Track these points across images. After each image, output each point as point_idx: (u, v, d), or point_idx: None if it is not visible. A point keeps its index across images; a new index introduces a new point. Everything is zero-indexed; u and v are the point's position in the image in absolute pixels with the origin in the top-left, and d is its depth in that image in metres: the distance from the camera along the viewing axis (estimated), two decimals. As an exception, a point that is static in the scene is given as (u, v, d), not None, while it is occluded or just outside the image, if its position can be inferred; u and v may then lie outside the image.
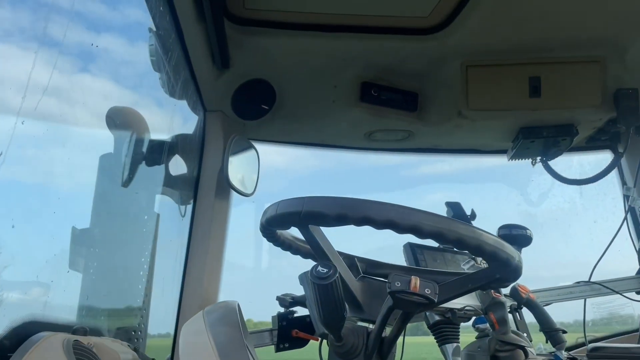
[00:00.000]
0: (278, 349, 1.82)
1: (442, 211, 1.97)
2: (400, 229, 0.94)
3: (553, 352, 1.68)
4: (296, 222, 1.05)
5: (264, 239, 1.20)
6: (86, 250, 1.36)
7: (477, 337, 1.62)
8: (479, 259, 1.79)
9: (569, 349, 2.10)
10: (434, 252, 1.83)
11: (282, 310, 1.84)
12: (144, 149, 1.67)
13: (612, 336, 2.24)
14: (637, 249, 2.20)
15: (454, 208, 1.93)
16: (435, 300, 0.94)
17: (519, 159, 2.25)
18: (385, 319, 1.03)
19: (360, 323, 1.17)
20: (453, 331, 1.77)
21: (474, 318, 1.64)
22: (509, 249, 0.98)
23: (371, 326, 1.11)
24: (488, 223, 1.75)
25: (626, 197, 2.20)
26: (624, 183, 2.28)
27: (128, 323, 1.64)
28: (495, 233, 1.16)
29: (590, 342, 2.11)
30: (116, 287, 1.61)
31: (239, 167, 1.98)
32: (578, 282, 2.15)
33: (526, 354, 1.46)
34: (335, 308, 0.96)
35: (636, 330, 2.14)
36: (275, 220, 1.05)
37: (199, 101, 1.98)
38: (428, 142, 2.33)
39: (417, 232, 0.94)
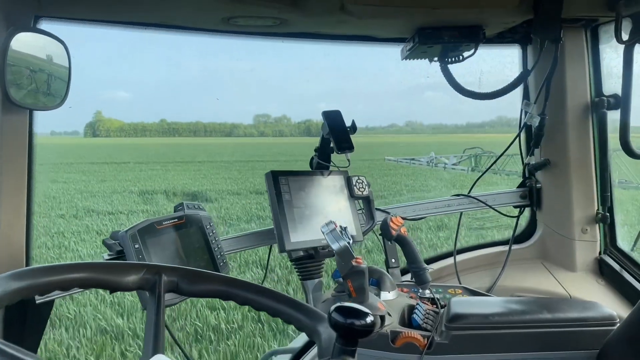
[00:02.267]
0: None
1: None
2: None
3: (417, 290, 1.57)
4: None
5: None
6: None
7: (335, 290, 1.42)
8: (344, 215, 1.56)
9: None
10: (301, 179, 1.53)
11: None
12: None
13: (477, 247, 2.20)
14: (524, 163, 2.06)
15: (331, 118, 1.58)
16: None
17: (413, 59, 1.86)
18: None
19: None
20: (317, 267, 1.60)
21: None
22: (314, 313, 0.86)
23: None
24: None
25: (524, 112, 1.97)
26: (525, 97, 2.04)
27: None
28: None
29: (458, 251, 2.09)
30: None
31: (34, 70, 1.39)
32: (457, 195, 2.03)
33: (383, 321, 1.30)
34: None
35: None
36: None
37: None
38: (306, 29, 1.84)
39: None
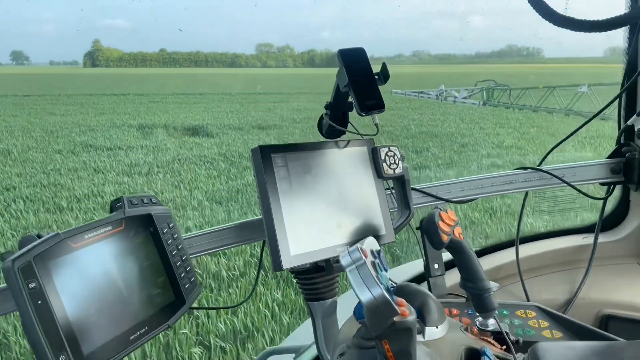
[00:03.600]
0: None
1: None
2: None
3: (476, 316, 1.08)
4: None
5: None
6: None
7: (359, 337, 0.93)
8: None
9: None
10: (305, 156, 1.03)
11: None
12: None
13: (545, 235, 1.67)
14: (622, 126, 1.52)
15: (350, 60, 1.04)
16: None
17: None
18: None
19: None
20: (329, 284, 1.08)
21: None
22: None
23: None
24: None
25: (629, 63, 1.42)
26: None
27: None
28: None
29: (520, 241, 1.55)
30: None
31: None
32: (524, 168, 1.45)
33: None
34: None
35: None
36: None
37: None
38: None
39: None
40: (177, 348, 3.97)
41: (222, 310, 4.54)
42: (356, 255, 0.69)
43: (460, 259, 1.05)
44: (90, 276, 0.78)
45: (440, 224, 1.04)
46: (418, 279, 1.48)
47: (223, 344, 4.12)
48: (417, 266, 1.49)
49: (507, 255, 1.49)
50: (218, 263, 5.65)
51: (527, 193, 1.48)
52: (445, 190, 1.33)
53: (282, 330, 4.32)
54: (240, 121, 17.30)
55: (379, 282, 0.67)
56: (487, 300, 1.04)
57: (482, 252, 1.55)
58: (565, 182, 1.41)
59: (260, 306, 4.62)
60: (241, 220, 1.17)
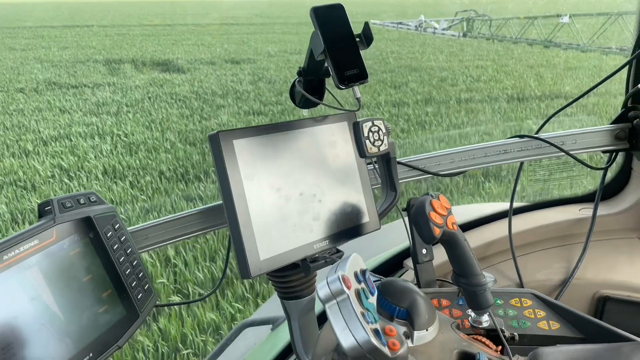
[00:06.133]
0: None
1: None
2: None
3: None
4: None
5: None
6: None
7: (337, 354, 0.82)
8: None
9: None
10: (273, 140, 0.88)
11: None
12: None
13: (538, 205, 1.55)
14: (629, 92, 1.36)
15: (325, 21, 0.86)
16: None
17: None
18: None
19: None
20: (306, 283, 0.95)
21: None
22: None
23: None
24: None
25: None
26: None
27: None
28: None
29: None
30: None
31: None
32: (520, 136, 1.29)
33: None
34: None
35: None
36: None
37: None
38: None
39: None
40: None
41: (200, 258, 4.48)
42: (336, 286, 0.56)
43: (454, 252, 0.90)
44: (12, 308, 0.63)
45: (432, 214, 0.86)
46: (404, 253, 1.37)
47: (202, 292, 4.09)
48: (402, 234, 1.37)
49: (497, 229, 1.38)
50: (194, 207, 5.57)
51: (521, 163, 1.33)
52: (434, 162, 1.18)
53: (262, 277, 4.30)
54: (212, 55, 16.60)
55: (364, 323, 0.55)
56: (481, 297, 0.91)
57: (469, 226, 1.43)
58: (564, 151, 1.26)
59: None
60: (203, 206, 1.02)
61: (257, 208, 0.82)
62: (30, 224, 5.94)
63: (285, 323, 1.61)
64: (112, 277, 0.77)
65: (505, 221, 1.36)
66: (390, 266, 1.37)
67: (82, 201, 0.76)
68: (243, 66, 14.41)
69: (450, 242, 0.89)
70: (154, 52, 17.37)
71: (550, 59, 14.53)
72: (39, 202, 0.74)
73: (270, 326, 1.64)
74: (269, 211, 0.84)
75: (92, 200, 0.77)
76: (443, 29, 20.86)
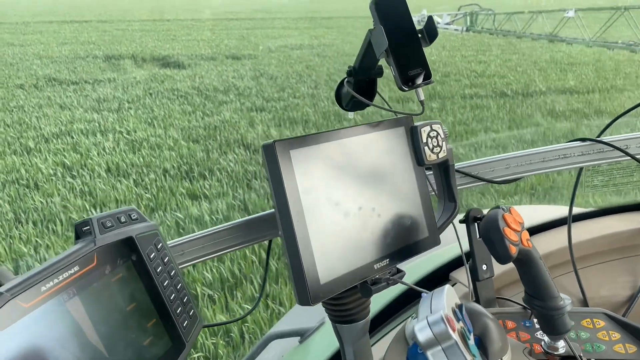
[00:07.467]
0: None
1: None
2: None
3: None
4: None
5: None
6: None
7: None
8: None
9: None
10: (330, 148, 0.79)
11: None
12: None
13: (599, 213, 1.45)
14: None
15: (389, 15, 0.78)
16: None
17: None
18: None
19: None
20: (361, 306, 0.86)
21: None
22: None
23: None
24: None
25: None
26: None
27: None
28: None
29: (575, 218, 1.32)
30: None
31: None
32: (582, 139, 1.17)
33: None
34: None
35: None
36: None
37: None
38: None
39: None
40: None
41: (208, 259, 4.39)
42: (440, 329, 0.48)
43: (528, 272, 0.81)
44: (51, 344, 0.55)
45: (506, 230, 0.76)
46: (455, 262, 1.27)
47: (211, 293, 4.01)
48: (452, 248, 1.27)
49: (554, 239, 1.28)
50: (200, 206, 5.47)
51: (581, 168, 1.23)
52: (488, 168, 1.10)
53: (270, 276, 4.21)
54: (213, 50, 16.47)
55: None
56: (559, 321, 0.82)
57: None
58: (630, 155, 1.16)
59: (247, 252, 4.48)
60: (240, 219, 0.93)
61: (315, 226, 0.73)
62: (33, 223, 5.79)
63: (315, 336, 1.53)
64: (156, 305, 0.69)
65: (560, 230, 1.26)
66: (435, 279, 1.28)
67: (122, 219, 0.67)
68: (244, 62, 14.29)
69: (525, 261, 0.80)
70: (153, 47, 17.23)
71: (554, 55, 14.43)
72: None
73: (299, 338, 1.56)
74: (328, 229, 0.75)
75: (133, 217, 0.69)
76: (446, 24, 20.69)
